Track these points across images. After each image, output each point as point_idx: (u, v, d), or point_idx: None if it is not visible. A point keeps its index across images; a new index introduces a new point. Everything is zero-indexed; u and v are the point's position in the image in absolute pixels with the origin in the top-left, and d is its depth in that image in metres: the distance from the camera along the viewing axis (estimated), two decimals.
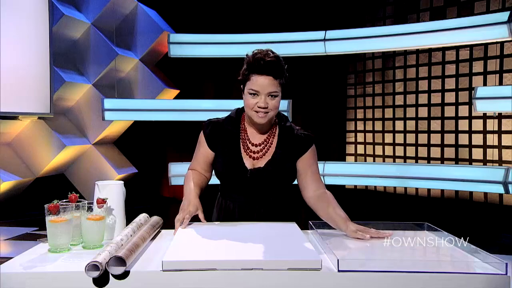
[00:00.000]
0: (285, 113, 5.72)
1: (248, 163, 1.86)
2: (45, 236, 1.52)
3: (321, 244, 1.54)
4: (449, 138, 5.93)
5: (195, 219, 1.77)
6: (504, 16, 4.90)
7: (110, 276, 1.28)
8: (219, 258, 1.33)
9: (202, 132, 1.93)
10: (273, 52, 1.82)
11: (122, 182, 1.72)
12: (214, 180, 2.00)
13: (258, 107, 1.78)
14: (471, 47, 5.65)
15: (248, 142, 1.88)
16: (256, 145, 1.87)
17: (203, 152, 1.92)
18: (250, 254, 1.36)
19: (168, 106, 5.97)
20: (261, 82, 1.76)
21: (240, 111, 1.93)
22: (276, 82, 1.78)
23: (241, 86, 1.84)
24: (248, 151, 1.87)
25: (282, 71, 1.80)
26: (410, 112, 6.32)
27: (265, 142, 1.88)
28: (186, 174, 1.94)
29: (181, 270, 1.28)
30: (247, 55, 1.83)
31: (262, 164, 1.86)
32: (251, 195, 1.88)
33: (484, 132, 5.59)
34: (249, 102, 1.79)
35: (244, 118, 1.91)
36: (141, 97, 6.43)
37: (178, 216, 1.72)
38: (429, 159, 6.13)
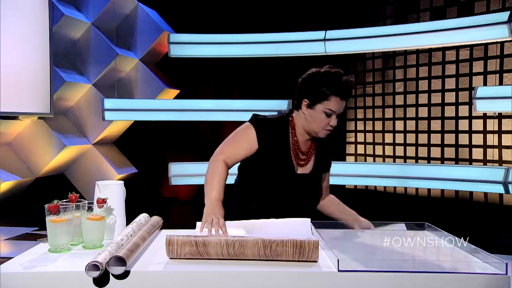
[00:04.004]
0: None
1: (296, 169, 1.89)
2: (45, 236, 1.52)
3: (321, 244, 1.54)
4: (449, 138, 5.93)
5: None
6: (504, 16, 4.90)
7: (110, 276, 1.28)
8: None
9: (251, 126, 1.86)
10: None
11: (122, 182, 1.72)
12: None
13: (331, 126, 1.83)
14: (471, 47, 5.65)
15: (297, 148, 1.89)
16: (303, 153, 1.91)
17: (248, 147, 1.84)
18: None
19: (168, 106, 5.97)
20: (340, 105, 1.81)
21: (287, 116, 1.93)
22: None
23: (306, 99, 1.84)
24: (296, 157, 1.89)
25: None
26: (410, 112, 6.31)
27: (309, 151, 1.92)
28: (216, 164, 1.79)
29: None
30: (323, 72, 1.86)
31: (307, 170, 1.90)
32: (288, 200, 1.87)
33: (484, 132, 5.58)
34: (323, 121, 1.82)
35: (293, 125, 1.90)
36: (141, 97, 6.43)
37: (208, 219, 1.59)
38: (429, 159, 6.12)
